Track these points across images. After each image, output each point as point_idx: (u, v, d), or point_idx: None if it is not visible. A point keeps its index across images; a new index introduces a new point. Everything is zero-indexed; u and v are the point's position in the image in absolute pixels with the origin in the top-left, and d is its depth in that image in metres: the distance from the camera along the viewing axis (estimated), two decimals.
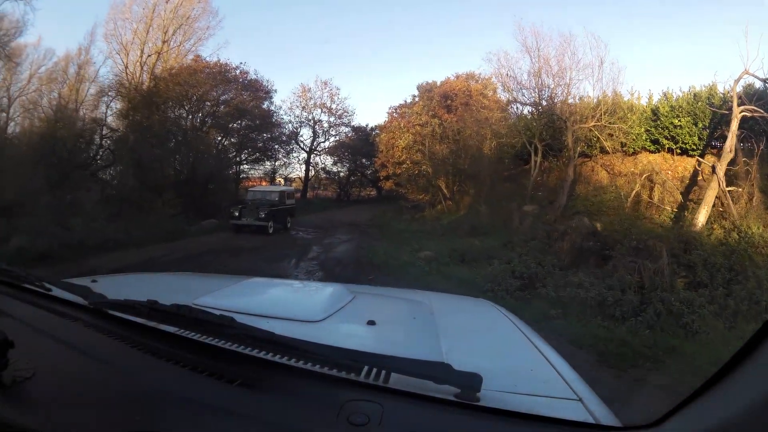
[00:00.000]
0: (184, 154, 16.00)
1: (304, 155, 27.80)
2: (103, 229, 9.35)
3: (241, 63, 19.28)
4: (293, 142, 25.86)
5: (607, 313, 5.09)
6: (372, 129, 27.03)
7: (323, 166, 29.05)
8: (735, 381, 0.60)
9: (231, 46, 34.67)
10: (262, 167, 23.96)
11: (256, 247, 10.26)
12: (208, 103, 17.55)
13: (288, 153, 25.41)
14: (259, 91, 20.35)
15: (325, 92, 26.50)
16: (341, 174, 29.69)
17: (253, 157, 22.61)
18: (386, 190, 21.53)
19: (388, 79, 44.86)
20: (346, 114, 27.33)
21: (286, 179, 25.96)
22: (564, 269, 6.75)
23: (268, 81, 20.91)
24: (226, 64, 18.58)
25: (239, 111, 18.73)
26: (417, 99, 20.75)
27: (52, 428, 0.65)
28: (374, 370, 0.79)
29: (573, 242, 7.86)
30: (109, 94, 14.44)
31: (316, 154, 28.24)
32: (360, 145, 27.07)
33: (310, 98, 26.51)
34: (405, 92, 41.35)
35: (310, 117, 26.96)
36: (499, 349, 1.19)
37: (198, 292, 1.29)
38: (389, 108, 23.29)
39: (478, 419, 0.72)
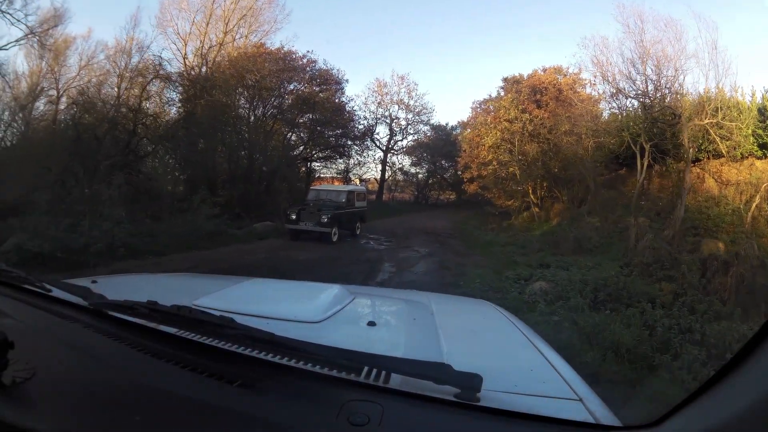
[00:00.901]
0: (238, 147, 14.27)
1: (379, 154, 25.81)
2: (119, 230, 7.97)
3: (308, 51, 16.99)
4: (368, 139, 23.58)
5: None
6: (452, 128, 25.48)
7: (401, 166, 27.08)
8: (735, 381, 0.60)
9: (299, 40, 32.16)
10: (334, 166, 22.06)
11: (310, 262, 8.26)
12: (271, 93, 15.55)
13: (362, 151, 23.09)
14: (328, 82, 17.98)
15: (402, 88, 24.54)
16: (419, 176, 27.93)
17: (325, 154, 20.58)
18: (469, 194, 19.68)
19: (468, 74, 40.67)
20: (424, 111, 25.25)
21: (361, 180, 23.53)
22: (724, 318, 4.45)
23: (338, 70, 18.47)
24: (291, 51, 16.49)
25: (307, 103, 16.70)
26: (502, 93, 18.42)
27: (52, 428, 0.65)
28: (374, 371, 0.79)
29: (740, 277, 5.44)
30: (154, 80, 12.77)
31: (393, 154, 26.27)
32: (439, 145, 25.29)
33: (387, 94, 24.58)
34: (487, 89, 37.74)
35: (386, 113, 24.97)
36: (499, 350, 1.19)
37: (198, 292, 1.29)
38: (473, 103, 20.91)
39: (478, 419, 0.72)
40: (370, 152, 24.79)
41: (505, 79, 18.53)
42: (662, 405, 0.71)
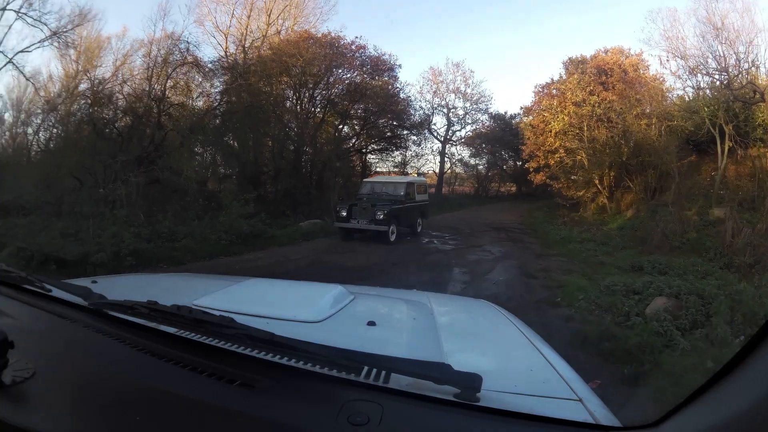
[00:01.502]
0: (284, 139, 13.02)
1: (437, 146, 24.26)
2: (129, 235, 7.05)
3: (356, 37, 15.70)
4: (425, 130, 22.01)
5: None
6: (512, 116, 23.85)
7: (460, 157, 25.60)
8: (735, 381, 0.60)
9: (346, 30, 30.02)
10: (390, 159, 20.59)
11: (361, 270, 6.69)
12: (318, 80, 14.23)
13: (420, 142, 21.50)
14: (380, 68, 16.46)
15: (458, 75, 23.35)
16: (479, 167, 26.64)
17: (380, 146, 19.11)
18: (534, 185, 17.99)
19: (524, 59, 38.12)
20: (482, 99, 23.86)
21: (419, 173, 22.56)
22: None
23: (390, 55, 16.77)
24: (339, 36, 15.05)
25: (358, 91, 15.33)
26: (563, 77, 17.03)
27: (52, 428, 0.65)
28: (374, 371, 0.79)
29: None
30: (183, 68, 11.39)
31: (452, 145, 24.78)
32: (499, 134, 24.02)
33: (442, 82, 23.29)
34: (546, 74, 35.95)
35: (442, 103, 23.59)
36: (499, 350, 1.19)
37: (198, 292, 1.30)
38: (535, 87, 19.68)
39: (478, 419, 0.72)
40: (428, 144, 23.37)
41: (569, 60, 17.10)
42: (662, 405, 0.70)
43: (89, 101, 10.60)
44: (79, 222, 7.23)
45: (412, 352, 0.99)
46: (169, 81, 11.05)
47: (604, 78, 14.97)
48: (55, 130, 11.72)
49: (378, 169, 19.92)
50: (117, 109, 10.92)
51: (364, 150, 18.41)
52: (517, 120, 21.89)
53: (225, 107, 11.82)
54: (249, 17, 14.10)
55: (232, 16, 14.13)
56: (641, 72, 14.88)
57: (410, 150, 20.92)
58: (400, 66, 17.41)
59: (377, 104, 16.34)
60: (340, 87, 15.24)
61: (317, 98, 14.86)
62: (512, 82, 40.88)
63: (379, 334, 1.15)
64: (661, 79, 13.83)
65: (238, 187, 10.84)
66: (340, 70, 15.01)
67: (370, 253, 8.17)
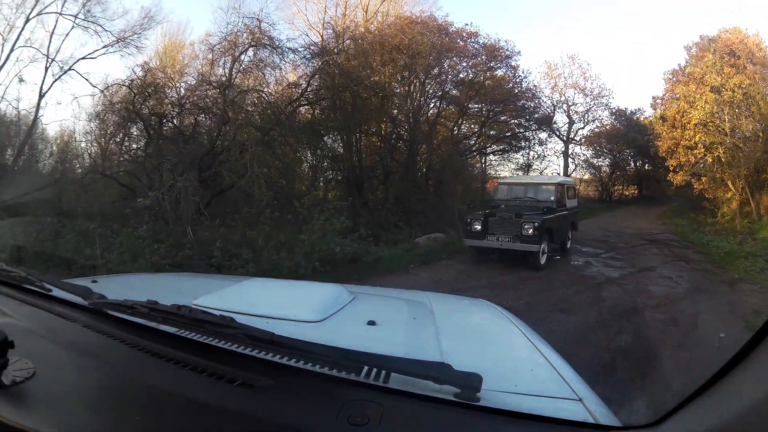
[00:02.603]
0: (394, 137, 11.35)
1: (559, 146, 22.07)
2: (147, 258, 5.56)
3: (466, 24, 13.06)
4: (547, 129, 19.57)
5: None
6: (632, 112, 22.03)
7: (585, 158, 23.52)
8: (735, 381, 0.60)
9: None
10: (513, 161, 18.32)
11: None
12: (429, 70, 12.16)
13: (542, 142, 18.71)
14: (496, 59, 13.98)
15: (574, 68, 21.22)
16: (604, 169, 24.53)
17: (501, 146, 16.84)
18: (676, 185, 15.50)
19: (642, 48, 32.79)
20: (603, 94, 21.62)
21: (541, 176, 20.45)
22: None
23: (506, 41, 14.12)
24: (447, 22, 12.72)
25: (473, 84, 12.98)
26: (687, 63, 14.78)
27: (52, 428, 0.65)
28: (374, 370, 0.79)
29: None
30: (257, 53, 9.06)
31: (575, 144, 22.47)
32: (622, 132, 22.42)
33: (559, 76, 21.10)
34: (663, 64, 32.45)
35: (561, 99, 21.35)
36: (499, 349, 1.19)
37: (198, 292, 1.29)
38: (664, 73, 17.01)
39: (478, 419, 0.72)
40: (549, 144, 21.14)
41: (691, 46, 14.78)
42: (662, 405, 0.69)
43: (133, 92, 8.87)
44: (87, 242, 5.89)
45: (412, 351, 0.99)
46: (239, 66, 8.82)
47: (734, 60, 12.83)
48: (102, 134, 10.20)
49: (499, 173, 17.49)
50: (163, 101, 9.22)
51: (484, 151, 16.05)
52: (640, 116, 20.40)
53: (315, 96, 9.66)
54: (344, 15, 12.44)
55: (325, 12, 12.46)
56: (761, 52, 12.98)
57: (533, 150, 18.41)
58: (519, 53, 14.52)
59: (496, 99, 13.90)
60: (454, 78, 12.99)
61: (429, 91, 12.74)
62: (628, 74, 35.72)
63: (379, 334, 1.15)
64: None
65: (340, 193, 9.38)
66: (451, 60, 12.74)
67: (519, 287, 5.87)
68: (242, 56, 8.82)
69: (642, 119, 20.51)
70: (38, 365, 0.76)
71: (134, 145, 9.94)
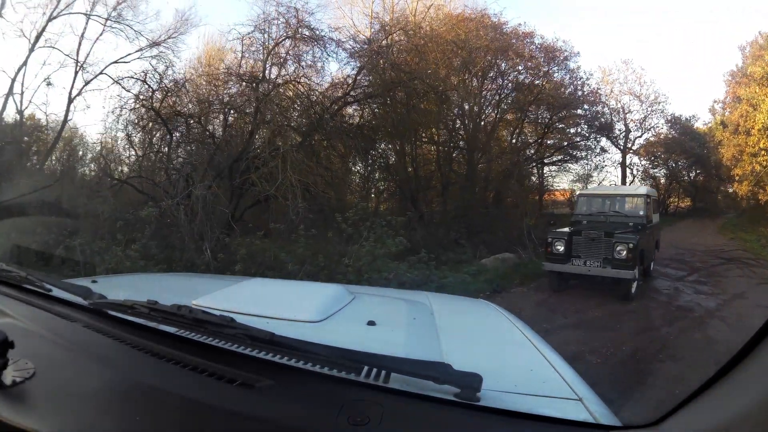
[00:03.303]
0: (452, 144, 10.32)
1: (615, 156, 20.77)
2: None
3: (519, 24, 12.07)
4: (609, 137, 18.47)
5: None
6: (687, 119, 20.94)
7: (643, 168, 22.13)
8: (735, 381, 0.60)
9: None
10: (572, 171, 17.04)
11: None
12: (484, 75, 11.28)
13: (604, 150, 17.60)
14: (554, 60, 12.84)
15: (629, 74, 20.09)
16: (661, 180, 23.48)
17: (560, 156, 15.71)
18: (741, 197, 14.67)
19: (695, 52, 30.88)
20: (659, 100, 20.32)
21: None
22: None
23: (564, 42, 13.00)
24: (502, 22, 11.66)
25: (532, 88, 11.96)
26: (744, 63, 13.82)
27: (52, 428, 0.65)
28: (374, 370, 0.79)
29: None
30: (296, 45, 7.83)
31: (632, 154, 21.40)
32: (680, 140, 20.81)
33: (614, 82, 19.93)
34: (718, 68, 30.46)
35: (617, 107, 20.13)
36: (499, 349, 1.19)
37: (198, 292, 1.30)
38: (724, 75, 16.07)
39: (478, 419, 0.72)
40: (607, 154, 19.97)
41: (745, 46, 13.88)
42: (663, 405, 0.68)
43: (150, 87, 8.02)
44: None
45: (412, 351, 0.99)
46: (274, 59, 7.72)
47: None
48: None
49: (556, 185, 16.71)
50: (185, 100, 8.26)
51: (543, 161, 14.94)
52: (694, 123, 19.48)
53: (363, 94, 8.48)
54: (392, 16, 10.96)
55: (371, 10, 11.17)
56: None
57: (592, 161, 17.21)
58: (578, 54, 13.36)
59: (556, 104, 12.84)
60: (514, 80, 12.06)
61: (486, 95, 11.81)
62: (679, 78, 33.09)
63: (379, 334, 1.15)
64: None
65: (391, 205, 8.51)
66: (508, 62, 11.85)
67: (615, 327, 4.92)
68: (278, 48, 7.69)
69: (696, 127, 19.71)
70: (38, 365, 0.76)
71: (156, 148, 8.88)
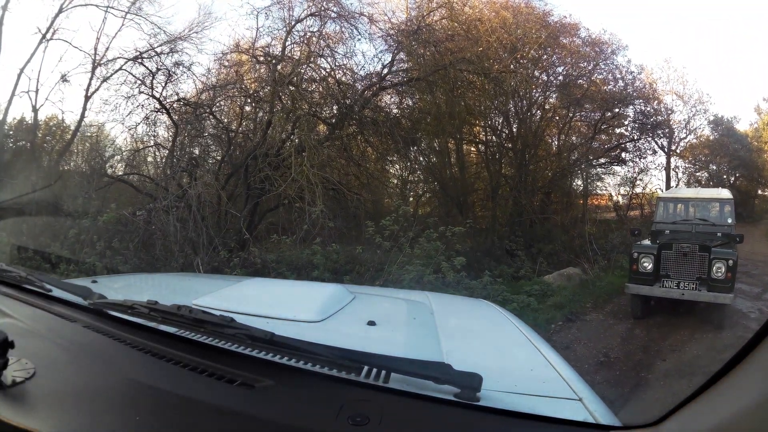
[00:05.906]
0: (496, 143, 9.28)
1: (660, 159, 19.33)
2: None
3: (564, 16, 11.14)
4: (662, 137, 17.36)
5: None
6: (729, 120, 19.94)
7: (689, 171, 20.92)
8: (735, 381, 0.60)
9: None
10: (613, 176, 15.87)
11: None
12: (534, 66, 10.19)
13: (655, 151, 16.51)
14: (601, 54, 11.89)
15: (671, 73, 18.80)
16: (704, 184, 23.69)
17: (608, 158, 15.21)
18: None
19: (732, 47, 28.73)
20: (702, 100, 19.06)
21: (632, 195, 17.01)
22: None
23: (611, 35, 12.06)
24: (546, 12, 10.59)
25: (578, 82, 11.05)
26: None
27: (51, 428, 0.65)
28: (374, 370, 0.79)
29: None
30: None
31: (677, 157, 20.24)
32: (724, 142, 20.06)
33: (656, 81, 18.65)
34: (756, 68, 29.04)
35: (660, 108, 18.82)
36: (499, 349, 1.19)
37: (198, 292, 1.30)
38: None
39: (478, 419, 0.72)
40: (649, 157, 18.47)
41: None
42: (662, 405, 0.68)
43: (149, 70, 7.07)
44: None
45: (412, 351, 0.99)
46: (294, 38, 6.68)
47: None
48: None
49: (598, 189, 15.60)
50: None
51: (591, 163, 14.29)
52: (735, 123, 18.40)
53: (402, 78, 7.38)
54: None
55: (407, 12, 9.91)
56: None
57: (639, 164, 16.02)
58: (626, 47, 12.29)
59: (606, 101, 11.84)
60: (563, 73, 11.08)
61: (534, 93, 10.92)
62: (718, 77, 30.98)
63: (380, 334, 1.15)
64: None
65: (432, 210, 7.52)
66: (556, 54, 10.89)
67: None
68: (300, 24, 6.58)
69: (730, 128, 18.84)
70: (38, 365, 0.76)
71: (160, 141, 7.67)
